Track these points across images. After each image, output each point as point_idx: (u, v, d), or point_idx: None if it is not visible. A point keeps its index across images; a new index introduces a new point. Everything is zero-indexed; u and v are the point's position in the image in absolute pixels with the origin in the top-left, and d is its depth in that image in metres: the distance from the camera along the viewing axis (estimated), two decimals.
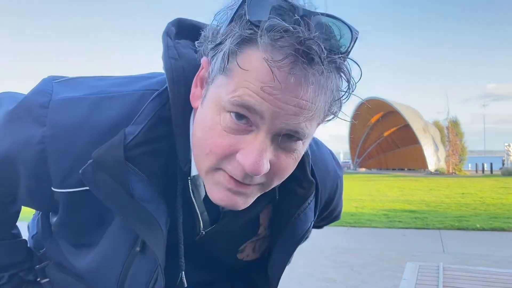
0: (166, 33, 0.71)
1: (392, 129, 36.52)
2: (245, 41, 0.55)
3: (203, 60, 0.63)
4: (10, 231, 0.87)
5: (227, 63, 0.56)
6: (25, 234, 0.94)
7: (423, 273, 2.40)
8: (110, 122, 0.65)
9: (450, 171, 29.41)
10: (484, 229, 6.97)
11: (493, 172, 29.53)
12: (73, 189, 0.66)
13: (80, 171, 0.62)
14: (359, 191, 14.36)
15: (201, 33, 0.67)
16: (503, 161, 33.27)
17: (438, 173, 29.18)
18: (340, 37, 0.57)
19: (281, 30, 0.52)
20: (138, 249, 0.69)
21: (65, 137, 0.65)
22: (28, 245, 0.92)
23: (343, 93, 0.59)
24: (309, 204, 0.78)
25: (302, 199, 0.76)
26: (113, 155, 0.62)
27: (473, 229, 6.99)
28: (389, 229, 7.28)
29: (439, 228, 7.14)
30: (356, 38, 0.58)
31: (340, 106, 0.61)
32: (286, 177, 0.65)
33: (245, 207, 0.64)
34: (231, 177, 0.60)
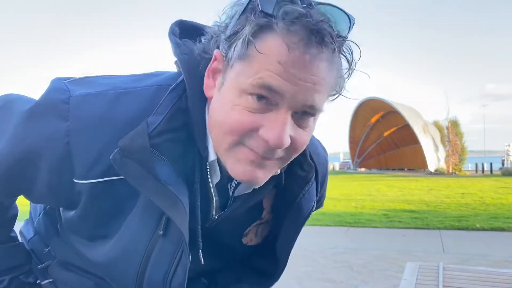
0: (172, 33, 0.76)
1: (392, 129, 36.53)
2: (261, 28, 0.61)
3: (216, 53, 0.67)
4: (9, 234, 0.89)
5: (246, 50, 0.61)
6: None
7: (423, 273, 2.41)
8: (130, 115, 0.70)
9: (450, 171, 29.42)
10: (484, 229, 6.97)
11: (493, 172, 29.55)
12: (97, 180, 0.70)
13: (110, 157, 0.66)
14: (359, 191, 14.37)
15: (204, 32, 0.73)
16: (503, 161, 33.26)
17: (438, 173, 29.18)
18: (340, 23, 0.63)
19: (295, 15, 0.58)
20: (161, 232, 0.72)
21: (89, 130, 0.68)
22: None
23: (346, 71, 0.65)
24: (311, 184, 0.83)
25: (304, 180, 0.82)
26: (138, 143, 0.66)
27: (473, 229, 6.99)
28: (389, 229, 7.28)
29: (439, 228, 7.15)
30: (354, 23, 0.64)
31: (344, 84, 0.67)
32: (301, 152, 0.70)
33: (264, 182, 0.69)
34: (252, 151, 0.65)
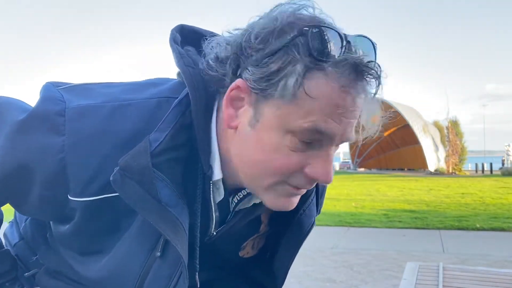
0: (173, 40, 0.73)
1: (392, 129, 36.51)
2: (310, 70, 0.59)
3: (240, 83, 0.63)
4: None
5: (296, 91, 0.59)
6: None
7: (423, 273, 2.40)
8: (131, 130, 0.66)
9: (450, 171, 29.40)
10: (484, 229, 6.97)
11: (493, 172, 29.52)
12: (93, 198, 0.66)
13: (111, 178, 0.63)
14: (359, 191, 14.36)
15: (210, 42, 0.70)
16: (502, 161, 33.27)
17: (438, 173, 29.16)
18: (369, 52, 0.63)
19: (345, 58, 0.58)
20: (158, 254, 0.69)
21: (86, 146, 0.65)
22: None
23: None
24: (312, 200, 0.82)
25: (305, 195, 0.79)
26: (139, 162, 0.63)
27: (473, 229, 6.98)
28: (389, 229, 7.28)
29: (439, 228, 7.14)
30: (377, 50, 0.65)
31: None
32: None
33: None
34: (294, 186, 0.65)
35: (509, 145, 32.08)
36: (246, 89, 0.63)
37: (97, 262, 0.74)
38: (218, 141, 0.68)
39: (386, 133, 37.16)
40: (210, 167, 0.69)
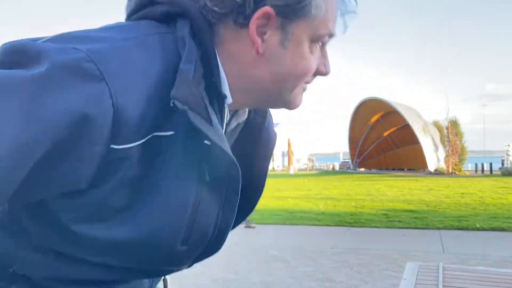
0: None
1: (392, 129, 36.56)
2: None
3: (269, 10, 0.69)
4: None
5: (324, 8, 0.71)
6: None
7: (423, 273, 2.41)
8: (162, 64, 0.64)
9: (450, 171, 29.42)
10: (483, 229, 6.98)
11: (493, 172, 29.56)
12: (141, 141, 0.62)
13: (182, 109, 0.60)
14: (359, 191, 14.37)
15: None
16: (502, 161, 33.34)
17: (438, 173, 29.19)
18: None
19: None
20: (207, 178, 0.68)
21: (129, 87, 0.60)
22: None
23: None
24: (270, 116, 0.91)
25: (263, 111, 0.89)
26: (192, 92, 0.63)
27: (473, 229, 6.99)
28: (389, 229, 7.28)
29: (439, 228, 7.15)
30: None
31: None
32: None
33: None
34: (305, 83, 0.77)
35: (509, 145, 32.13)
36: (274, 15, 0.70)
37: (134, 216, 0.66)
38: (224, 69, 0.72)
39: (386, 133, 37.25)
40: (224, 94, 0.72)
